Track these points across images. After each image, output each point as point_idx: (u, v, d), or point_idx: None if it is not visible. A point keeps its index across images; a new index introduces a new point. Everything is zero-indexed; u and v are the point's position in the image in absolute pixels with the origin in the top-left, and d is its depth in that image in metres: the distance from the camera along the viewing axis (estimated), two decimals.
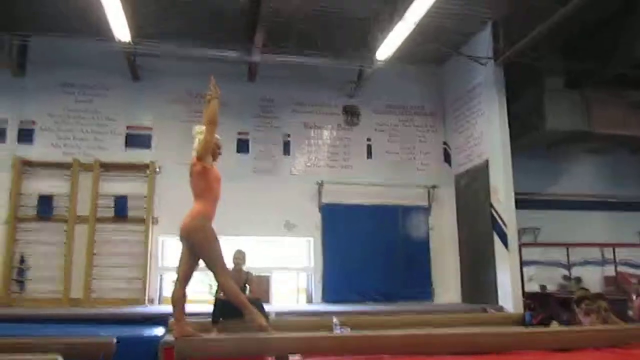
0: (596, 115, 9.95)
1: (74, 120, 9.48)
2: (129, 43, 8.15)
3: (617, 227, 12.05)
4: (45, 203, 8.94)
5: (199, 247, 4.18)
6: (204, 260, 4.22)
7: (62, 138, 9.39)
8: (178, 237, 4.33)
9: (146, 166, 9.33)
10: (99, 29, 7.93)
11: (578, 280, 11.07)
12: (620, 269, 12.01)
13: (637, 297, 7.30)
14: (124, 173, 9.34)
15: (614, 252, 11.88)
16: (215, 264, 4.22)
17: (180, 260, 4.28)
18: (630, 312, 7.11)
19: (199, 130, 4.39)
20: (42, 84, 9.44)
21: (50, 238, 8.80)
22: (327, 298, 9.48)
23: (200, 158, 4.32)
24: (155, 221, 9.23)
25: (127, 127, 9.66)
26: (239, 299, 4.17)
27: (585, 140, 10.52)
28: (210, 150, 4.36)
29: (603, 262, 11.96)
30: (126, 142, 9.60)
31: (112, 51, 8.71)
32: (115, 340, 4.18)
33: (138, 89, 9.78)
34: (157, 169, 9.40)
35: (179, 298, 4.17)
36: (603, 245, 11.86)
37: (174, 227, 9.37)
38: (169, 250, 9.75)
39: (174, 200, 9.18)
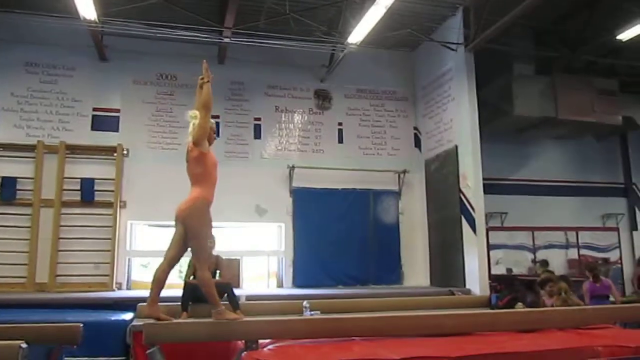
0: (564, 101, 10.13)
1: (38, 100, 9.20)
2: (95, 22, 7.92)
3: (581, 212, 12.39)
4: (9, 186, 8.68)
5: (192, 231, 4.14)
6: (191, 246, 4.19)
7: (25, 119, 9.10)
8: (174, 220, 4.30)
9: (113, 149, 9.13)
10: (64, 6, 7.67)
11: (544, 263, 11.36)
12: (583, 252, 12.36)
13: (592, 280, 7.58)
14: (90, 156, 9.11)
15: (577, 236, 12.21)
16: (199, 254, 4.20)
17: (171, 243, 4.24)
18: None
19: (193, 115, 4.32)
20: (4, 62, 9.11)
21: (14, 222, 8.56)
22: (297, 282, 9.51)
23: (196, 143, 4.25)
24: (123, 205, 9.07)
25: (94, 109, 9.43)
26: (212, 294, 4.13)
27: (553, 126, 10.72)
28: (207, 135, 4.30)
29: (567, 246, 12.28)
30: (93, 124, 9.36)
31: (78, 30, 8.43)
32: (81, 326, 4.10)
33: (105, 70, 9.54)
34: (125, 152, 9.21)
35: (159, 279, 4.13)
36: (567, 229, 12.17)
37: (142, 211, 9.40)
38: (137, 234, 9.64)
39: (143, 183, 9.13)
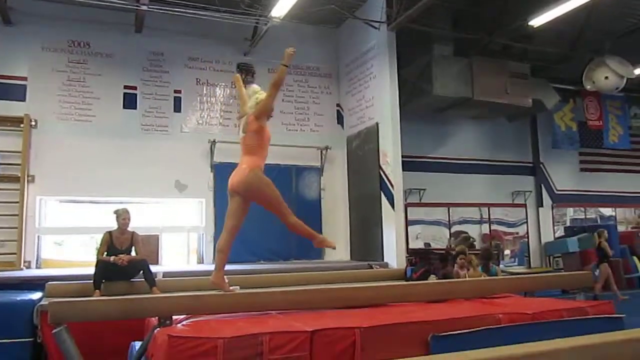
0: (480, 83, 10.52)
1: None
2: None
3: (493, 189, 13.05)
4: None
5: (261, 193, 4.72)
6: (268, 204, 4.77)
7: None
8: (228, 192, 4.94)
9: (20, 120, 8.54)
10: None
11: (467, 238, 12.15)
12: (495, 227, 13.08)
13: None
14: None
15: (489, 212, 12.89)
16: (279, 205, 4.76)
17: (229, 214, 4.88)
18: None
19: (256, 90, 4.95)
20: None
21: None
22: None
23: (258, 117, 4.75)
24: (31, 179, 8.56)
25: None
26: (309, 232, 4.83)
27: (469, 107, 11.14)
28: (268, 112, 4.81)
29: (480, 221, 12.94)
30: None
31: None
32: None
33: (10, 34, 8.85)
34: (33, 123, 8.65)
35: (223, 250, 4.80)
36: (480, 205, 12.81)
37: (53, 186, 8.93)
38: (48, 210, 9.16)
39: (53, 157, 8.68)
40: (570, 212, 14.49)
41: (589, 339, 1.98)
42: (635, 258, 12.89)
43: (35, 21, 8.90)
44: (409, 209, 11.41)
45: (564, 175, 14.06)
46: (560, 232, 13.75)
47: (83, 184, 8.81)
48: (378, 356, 3.39)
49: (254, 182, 4.72)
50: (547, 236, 13.49)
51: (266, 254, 9.68)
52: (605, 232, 11.32)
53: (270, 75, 10.26)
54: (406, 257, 8.98)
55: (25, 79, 8.86)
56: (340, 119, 10.82)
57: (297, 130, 10.46)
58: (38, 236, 8.79)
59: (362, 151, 9.96)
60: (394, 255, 8.92)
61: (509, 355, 1.82)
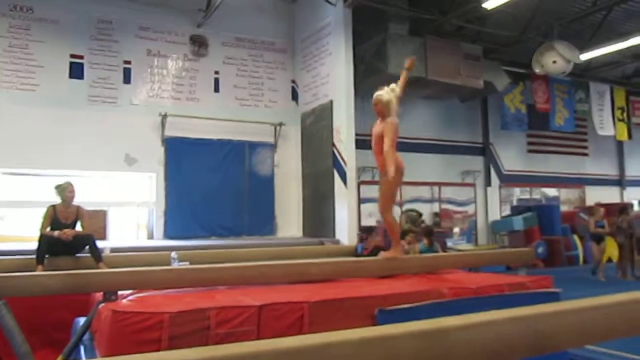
0: (433, 63, 10.63)
1: None
2: None
3: (444, 169, 13.33)
4: None
5: None
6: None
7: None
8: None
9: None
10: None
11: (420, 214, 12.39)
12: (445, 206, 13.40)
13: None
14: None
15: (439, 191, 13.17)
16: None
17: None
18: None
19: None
20: None
21: None
22: (169, 234, 9.30)
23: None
24: None
25: None
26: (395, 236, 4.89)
27: (422, 87, 11.24)
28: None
29: (432, 200, 13.21)
30: None
31: None
32: None
33: None
34: None
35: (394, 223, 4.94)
36: (432, 184, 13.06)
37: None
38: None
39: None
40: (517, 192, 14.98)
41: (524, 310, 2.06)
42: (575, 236, 13.49)
43: None
44: (361, 187, 11.51)
45: (512, 156, 14.49)
46: (506, 211, 14.22)
47: (26, 156, 8.46)
48: (325, 330, 3.43)
49: None
50: (494, 215, 13.92)
51: (218, 229, 9.62)
52: (601, 209, 10.81)
53: (225, 49, 10.24)
54: (357, 234, 9.09)
55: None
56: (295, 95, 10.75)
57: (250, 106, 10.34)
58: None
59: (316, 128, 9.96)
60: (345, 233, 9.02)
61: (449, 326, 1.87)
